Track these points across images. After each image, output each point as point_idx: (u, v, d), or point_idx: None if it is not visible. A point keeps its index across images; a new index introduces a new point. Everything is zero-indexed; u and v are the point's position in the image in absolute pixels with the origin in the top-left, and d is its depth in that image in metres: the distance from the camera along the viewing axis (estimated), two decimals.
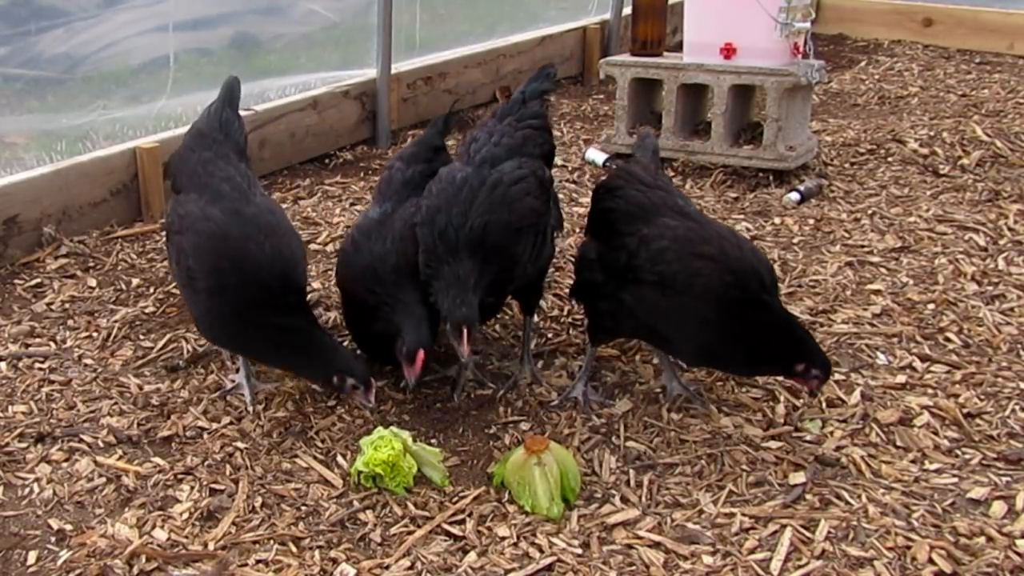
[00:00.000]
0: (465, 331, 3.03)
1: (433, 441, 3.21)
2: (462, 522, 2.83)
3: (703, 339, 3.13)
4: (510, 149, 3.40)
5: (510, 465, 2.97)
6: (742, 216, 5.03)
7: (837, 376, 3.56)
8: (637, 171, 3.50)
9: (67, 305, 4.01)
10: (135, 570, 2.62)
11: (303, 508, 2.88)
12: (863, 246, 4.67)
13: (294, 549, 2.72)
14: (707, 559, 2.69)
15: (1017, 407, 3.39)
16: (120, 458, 3.07)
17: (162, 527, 2.78)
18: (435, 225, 3.20)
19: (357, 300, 3.38)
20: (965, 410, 3.36)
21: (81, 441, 3.14)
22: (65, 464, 3.05)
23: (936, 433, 3.25)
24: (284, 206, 4.99)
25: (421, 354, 3.10)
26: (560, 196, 5.12)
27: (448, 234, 3.16)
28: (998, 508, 2.89)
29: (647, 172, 3.50)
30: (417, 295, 3.25)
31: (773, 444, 3.17)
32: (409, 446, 2.99)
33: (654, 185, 3.41)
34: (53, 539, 2.75)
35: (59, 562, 2.66)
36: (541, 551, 2.72)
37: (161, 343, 3.72)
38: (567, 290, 3.92)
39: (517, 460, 2.95)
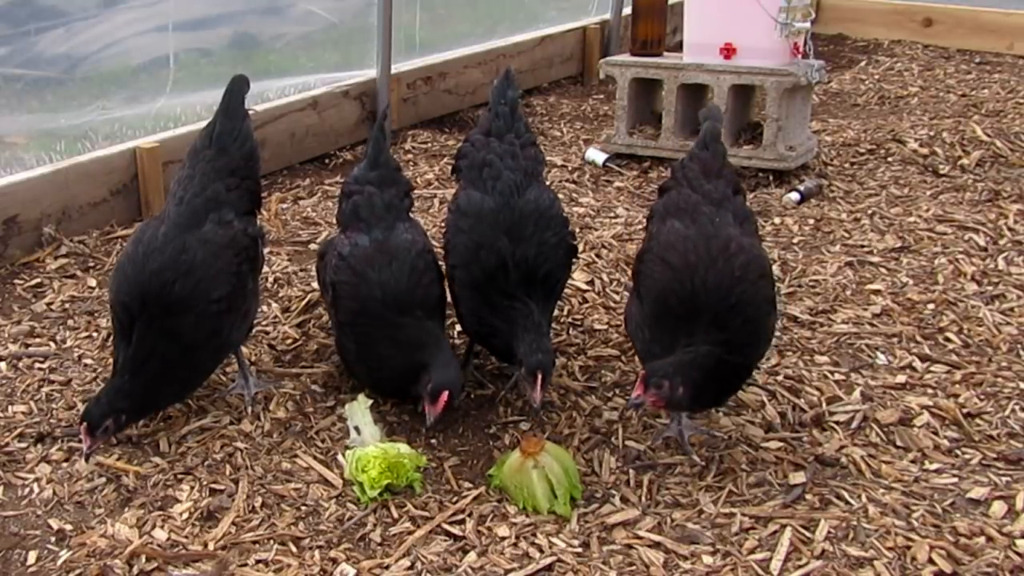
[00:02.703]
0: (540, 377, 2.99)
1: (433, 441, 3.21)
2: (462, 522, 2.83)
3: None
4: (526, 173, 3.42)
5: (506, 469, 2.95)
6: None
7: (837, 376, 3.57)
8: (692, 173, 3.30)
9: (67, 305, 4.01)
10: (135, 570, 2.62)
11: (303, 508, 2.88)
12: (863, 246, 4.67)
13: (294, 549, 2.72)
14: (707, 559, 2.69)
15: (1017, 407, 3.39)
16: (120, 458, 3.07)
17: (162, 527, 2.78)
18: (482, 263, 3.18)
19: (371, 333, 3.20)
20: (965, 410, 3.35)
21: (81, 441, 3.14)
22: (65, 464, 3.05)
23: (936, 433, 3.25)
24: (284, 206, 4.99)
25: (445, 395, 3.02)
26: (560, 196, 5.13)
27: (508, 268, 3.15)
28: (998, 508, 2.90)
29: (705, 174, 3.28)
30: (441, 330, 3.27)
31: (773, 444, 3.17)
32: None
33: (701, 189, 3.23)
34: (53, 539, 2.76)
35: (59, 562, 2.66)
36: (541, 551, 2.71)
37: None
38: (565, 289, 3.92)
39: (513, 464, 2.93)
